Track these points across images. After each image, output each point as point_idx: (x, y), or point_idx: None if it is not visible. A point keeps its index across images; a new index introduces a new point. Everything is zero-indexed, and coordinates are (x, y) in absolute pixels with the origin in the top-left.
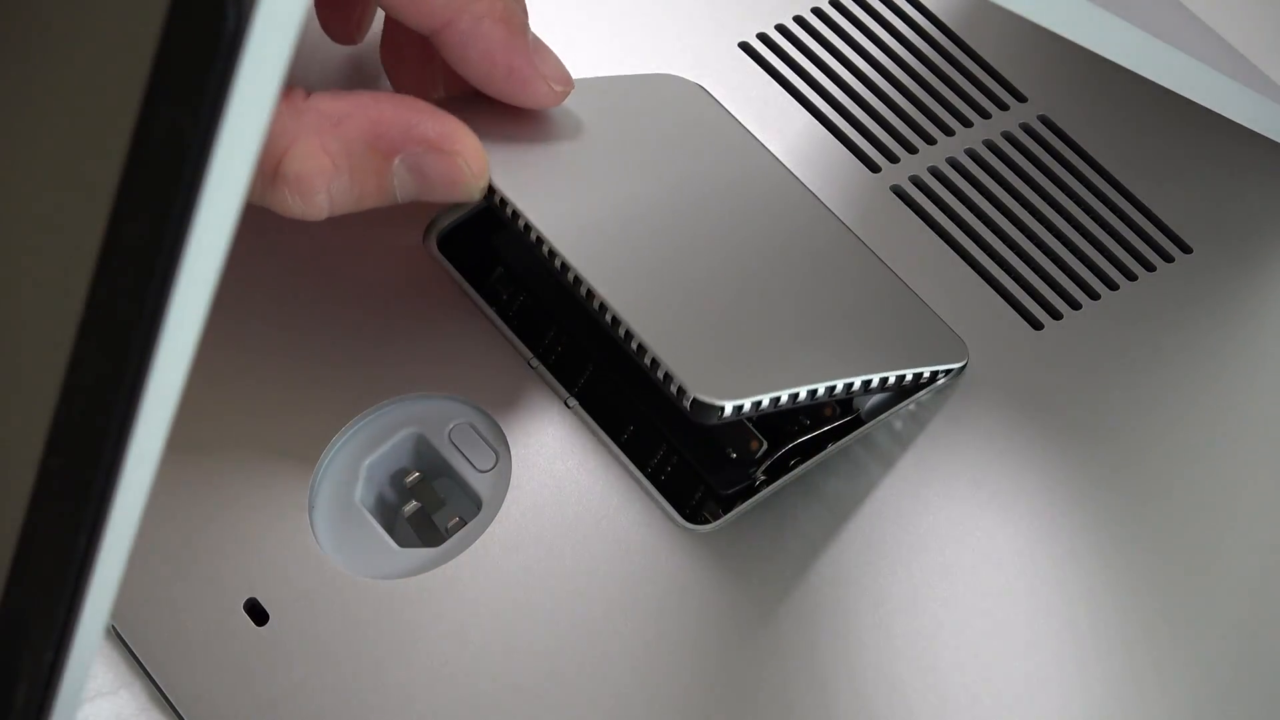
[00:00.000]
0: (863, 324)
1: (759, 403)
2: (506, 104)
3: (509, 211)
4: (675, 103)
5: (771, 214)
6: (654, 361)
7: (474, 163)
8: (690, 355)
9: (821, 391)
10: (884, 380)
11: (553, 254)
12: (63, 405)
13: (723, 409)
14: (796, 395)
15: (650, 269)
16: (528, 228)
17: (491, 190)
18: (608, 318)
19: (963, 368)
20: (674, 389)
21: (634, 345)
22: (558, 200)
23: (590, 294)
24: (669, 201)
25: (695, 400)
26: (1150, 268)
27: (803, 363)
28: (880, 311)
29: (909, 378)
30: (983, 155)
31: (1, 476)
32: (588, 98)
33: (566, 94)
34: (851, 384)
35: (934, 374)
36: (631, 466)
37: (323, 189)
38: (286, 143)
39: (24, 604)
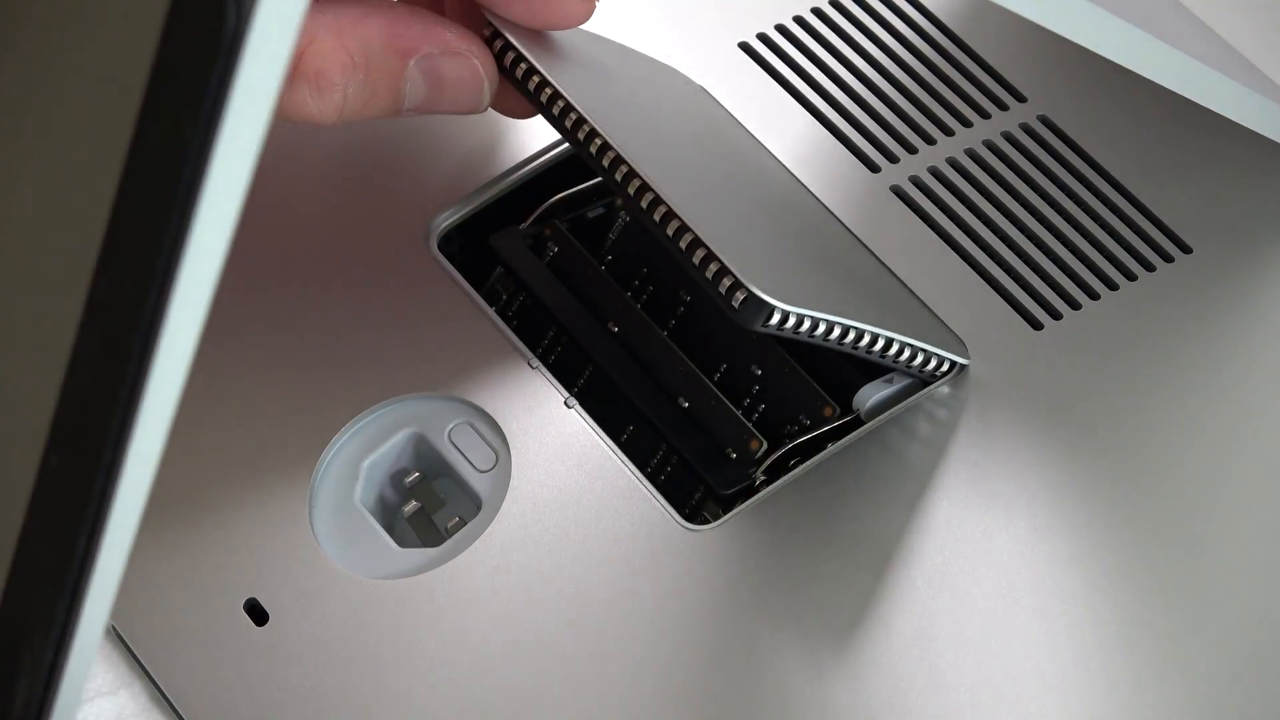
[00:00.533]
0: (887, 298)
1: (803, 319)
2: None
3: (559, 106)
4: (686, 89)
5: (788, 190)
6: (707, 256)
7: (487, 65)
8: (745, 256)
9: (852, 335)
10: (904, 349)
11: (605, 147)
12: (63, 405)
13: (773, 310)
14: (833, 328)
15: (701, 182)
16: (580, 121)
17: (543, 82)
18: (658, 215)
19: (964, 367)
20: (725, 286)
21: (684, 242)
22: (608, 103)
23: (644, 188)
24: (701, 141)
25: (751, 295)
26: (1150, 268)
27: (844, 303)
28: (895, 299)
29: (920, 357)
30: (983, 155)
31: (1, 476)
32: (604, 48)
33: (593, 9)
34: (878, 338)
35: (941, 363)
36: (631, 466)
37: (341, 86)
38: (306, 40)
39: (24, 604)
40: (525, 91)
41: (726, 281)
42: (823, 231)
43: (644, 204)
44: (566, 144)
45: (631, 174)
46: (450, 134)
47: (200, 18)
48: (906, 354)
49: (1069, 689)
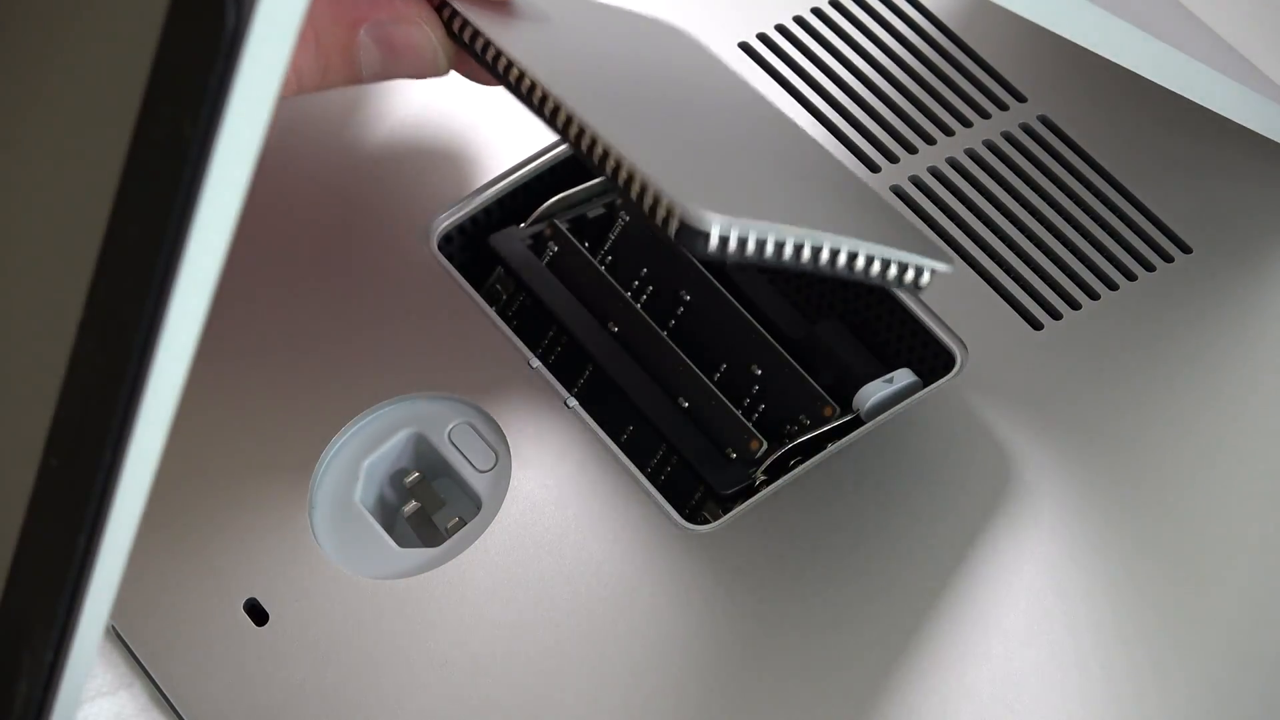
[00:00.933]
0: (857, 209)
1: (748, 235)
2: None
3: (491, 53)
4: (664, 37)
5: (764, 120)
6: (643, 186)
7: (437, 31)
8: (681, 179)
9: (809, 249)
10: (873, 261)
11: (544, 97)
12: (63, 405)
13: (711, 225)
14: (786, 243)
15: (648, 116)
16: (521, 75)
17: (486, 42)
18: (596, 155)
19: (949, 272)
20: (661, 214)
21: (622, 176)
22: (539, 43)
23: (582, 131)
24: (661, 79)
25: (683, 223)
26: (1150, 268)
27: (804, 214)
28: (870, 210)
29: (895, 269)
30: (983, 155)
31: (1, 476)
32: (570, 4)
33: None
34: (839, 250)
35: (920, 273)
36: (631, 466)
37: (290, 62)
38: None
39: (24, 604)
40: (474, 53)
41: (663, 207)
42: (790, 149)
43: (584, 146)
44: (538, 119)
45: (570, 119)
46: (450, 134)
47: (200, 18)
48: (878, 266)
49: (1069, 689)
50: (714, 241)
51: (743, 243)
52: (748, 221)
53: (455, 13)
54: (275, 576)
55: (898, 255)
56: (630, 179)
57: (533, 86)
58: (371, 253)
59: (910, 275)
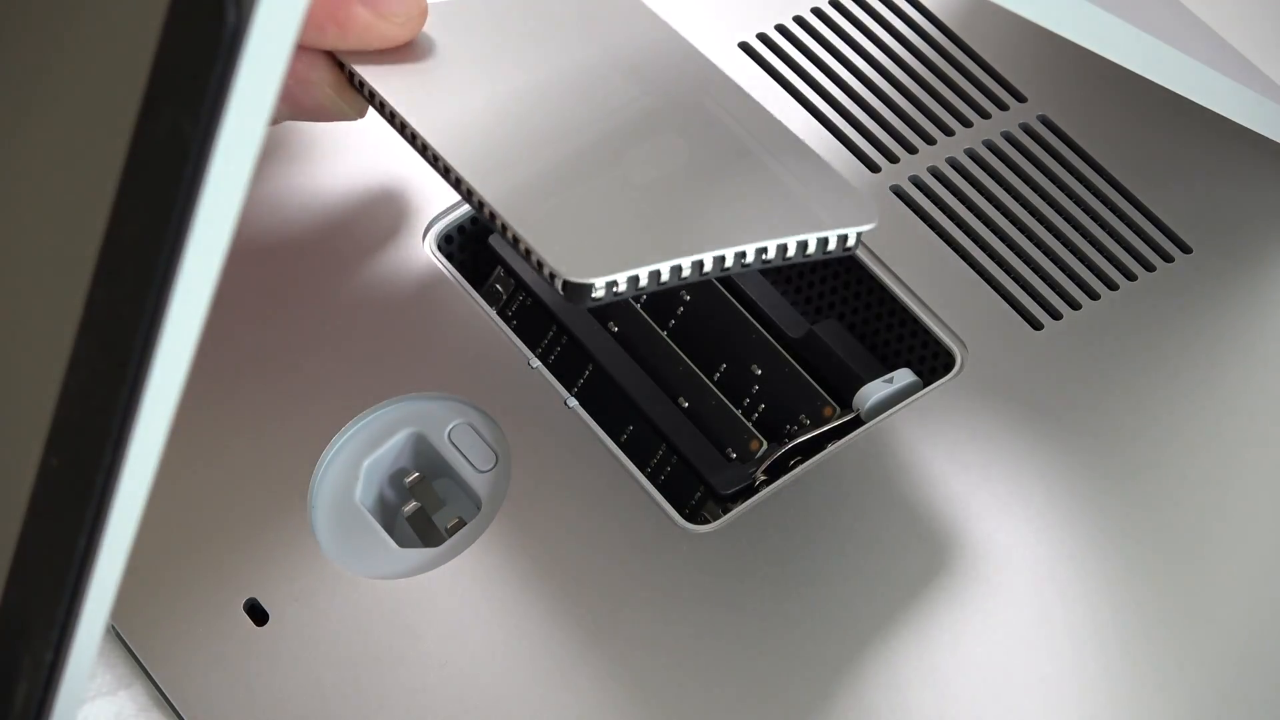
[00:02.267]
0: (754, 193)
1: (636, 278)
2: None
3: (388, 112)
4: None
5: (661, 86)
6: (528, 250)
7: (342, 92)
8: (560, 239)
9: (689, 268)
10: (774, 249)
11: (427, 149)
12: (63, 405)
13: (592, 287)
14: (660, 273)
15: (524, 158)
16: (404, 125)
17: (372, 94)
18: (485, 212)
19: (870, 230)
20: (548, 275)
21: (510, 235)
22: (434, 96)
23: (469, 191)
24: (553, 84)
25: (566, 283)
26: (1150, 268)
27: (681, 237)
28: (776, 178)
29: (808, 245)
30: (983, 155)
31: (1, 476)
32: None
33: (415, 29)
34: (725, 256)
35: (840, 240)
36: (631, 466)
37: None
38: None
39: (24, 604)
40: (374, 107)
41: (547, 271)
42: (691, 130)
43: (476, 203)
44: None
45: (459, 179)
46: None
47: (200, 17)
48: (782, 251)
49: (1069, 689)
50: (599, 291)
51: (634, 280)
52: (624, 272)
53: (351, 69)
54: (275, 576)
55: (802, 237)
56: (517, 240)
57: (425, 147)
58: (371, 252)
59: (831, 245)
